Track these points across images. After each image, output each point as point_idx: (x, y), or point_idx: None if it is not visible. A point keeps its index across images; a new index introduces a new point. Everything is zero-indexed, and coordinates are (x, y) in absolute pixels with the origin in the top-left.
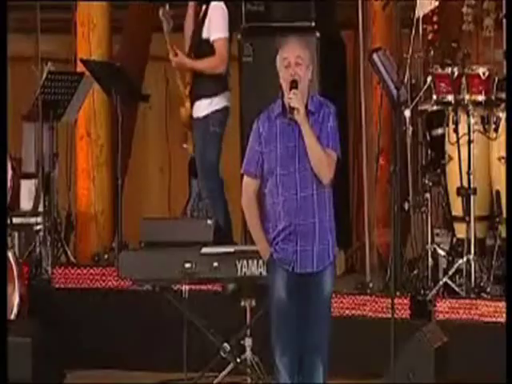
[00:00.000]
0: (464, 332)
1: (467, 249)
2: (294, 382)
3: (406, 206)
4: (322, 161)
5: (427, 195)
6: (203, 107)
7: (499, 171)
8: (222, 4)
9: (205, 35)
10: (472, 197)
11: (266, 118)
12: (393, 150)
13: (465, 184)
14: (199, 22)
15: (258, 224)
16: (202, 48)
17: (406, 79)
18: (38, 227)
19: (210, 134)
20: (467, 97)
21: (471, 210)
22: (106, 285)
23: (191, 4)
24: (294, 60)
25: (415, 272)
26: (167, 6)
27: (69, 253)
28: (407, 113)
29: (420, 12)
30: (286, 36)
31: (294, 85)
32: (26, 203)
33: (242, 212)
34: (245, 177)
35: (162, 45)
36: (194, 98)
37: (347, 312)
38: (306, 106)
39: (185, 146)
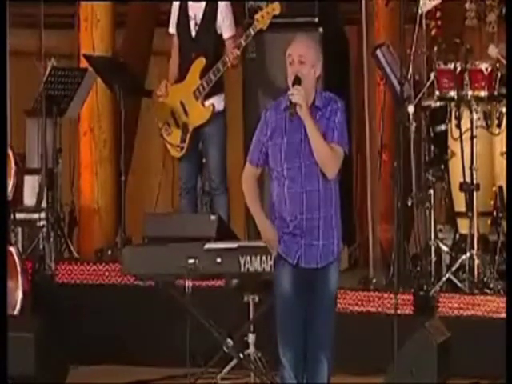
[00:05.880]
0: (467, 327)
1: (470, 244)
2: (298, 376)
3: (409, 201)
4: (327, 156)
5: (430, 191)
6: (222, 102)
7: (502, 167)
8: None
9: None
10: (475, 192)
11: (273, 110)
12: (396, 146)
13: (468, 180)
14: (210, 19)
15: (259, 206)
16: (220, 45)
17: (409, 75)
18: (42, 223)
19: (225, 127)
20: (470, 92)
21: (474, 206)
22: (110, 280)
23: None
24: (297, 59)
25: (418, 268)
26: None
27: (72, 248)
28: (410, 108)
29: (424, 8)
30: (292, 32)
31: (297, 81)
32: (29, 199)
33: (245, 207)
34: (247, 164)
35: (164, 40)
36: (214, 92)
37: (350, 308)
38: (314, 102)
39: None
